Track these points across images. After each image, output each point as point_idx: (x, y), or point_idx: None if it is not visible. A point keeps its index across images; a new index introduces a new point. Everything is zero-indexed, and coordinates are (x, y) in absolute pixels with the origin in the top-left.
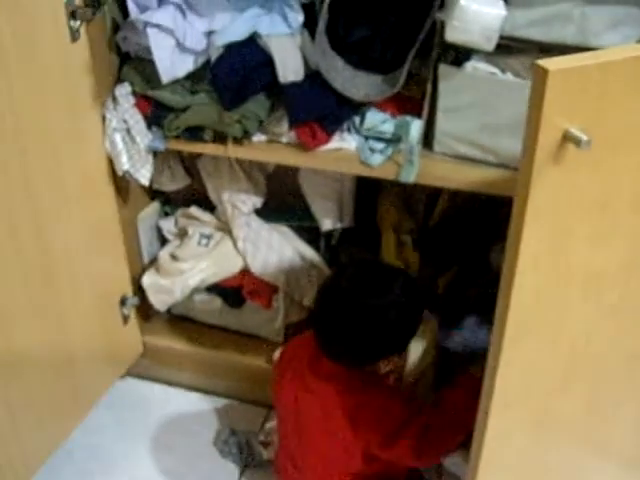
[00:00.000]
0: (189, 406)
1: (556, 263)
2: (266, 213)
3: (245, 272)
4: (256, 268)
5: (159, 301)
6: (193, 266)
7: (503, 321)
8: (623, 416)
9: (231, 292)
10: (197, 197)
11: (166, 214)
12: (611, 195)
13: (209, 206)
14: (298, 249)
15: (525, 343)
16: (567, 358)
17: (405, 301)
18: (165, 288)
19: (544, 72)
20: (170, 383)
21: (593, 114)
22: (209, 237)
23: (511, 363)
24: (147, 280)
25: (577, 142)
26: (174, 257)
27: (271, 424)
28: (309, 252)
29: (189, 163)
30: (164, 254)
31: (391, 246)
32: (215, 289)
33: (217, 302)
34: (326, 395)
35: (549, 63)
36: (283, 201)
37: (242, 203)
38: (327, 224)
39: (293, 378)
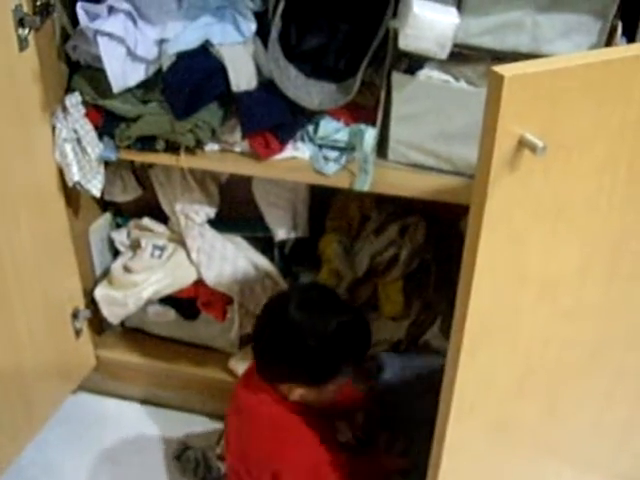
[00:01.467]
0: (143, 420)
1: (512, 269)
2: (219, 223)
3: (199, 283)
4: (210, 279)
5: (112, 314)
6: (146, 278)
7: (461, 328)
8: (581, 420)
9: (185, 304)
10: (150, 208)
11: (118, 225)
12: (565, 200)
13: (162, 217)
14: (252, 259)
15: (482, 349)
16: (524, 363)
17: (333, 337)
18: (118, 300)
19: (500, 78)
20: (124, 397)
21: (547, 120)
22: (162, 248)
23: (469, 370)
24: (100, 292)
25: (533, 148)
26: (127, 269)
27: None
28: (263, 262)
29: (141, 173)
30: (117, 266)
31: (329, 246)
32: (169, 301)
33: (171, 314)
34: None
35: (505, 69)
36: (236, 211)
37: (195, 214)
38: (281, 234)
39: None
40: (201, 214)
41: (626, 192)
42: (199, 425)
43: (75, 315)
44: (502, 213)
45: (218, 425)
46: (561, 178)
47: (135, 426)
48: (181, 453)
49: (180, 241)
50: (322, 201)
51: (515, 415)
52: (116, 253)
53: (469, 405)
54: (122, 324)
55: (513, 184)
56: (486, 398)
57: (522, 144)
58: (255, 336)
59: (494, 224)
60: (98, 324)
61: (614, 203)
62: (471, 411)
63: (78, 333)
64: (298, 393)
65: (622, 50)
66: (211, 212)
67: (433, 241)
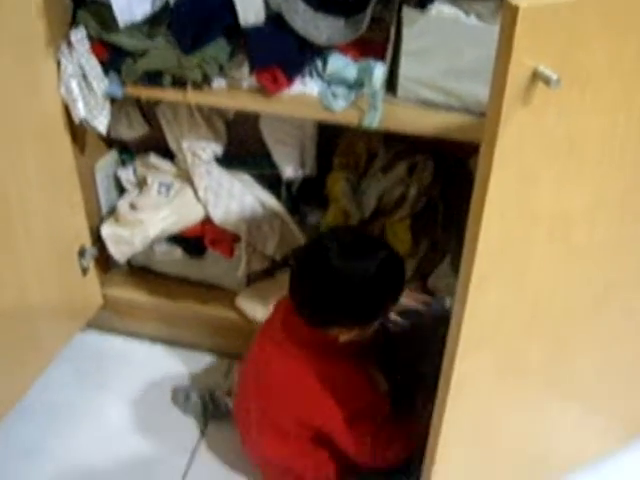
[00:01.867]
0: (151, 358)
1: (522, 205)
2: (227, 161)
3: (206, 221)
4: (217, 217)
5: (118, 252)
6: (153, 216)
7: (470, 264)
8: (587, 360)
9: (192, 242)
10: (156, 145)
11: (124, 163)
12: (578, 136)
13: (169, 154)
14: (259, 197)
15: (491, 286)
16: (533, 301)
17: (378, 276)
18: (124, 239)
19: (515, 9)
20: (132, 335)
21: (562, 53)
22: (169, 186)
23: (477, 307)
24: (106, 230)
25: (547, 81)
26: (133, 207)
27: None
28: (270, 200)
29: (147, 111)
30: (123, 204)
31: (337, 184)
32: (176, 239)
33: (178, 252)
34: (297, 359)
35: (520, 0)
36: (244, 149)
37: (202, 151)
38: (288, 172)
39: (265, 333)
40: (208, 151)
41: None
42: (207, 362)
43: (82, 253)
44: (514, 148)
45: (225, 362)
46: (575, 114)
47: (143, 363)
48: (187, 396)
49: (187, 179)
50: (330, 139)
51: (522, 352)
52: (122, 191)
53: (477, 341)
54: (129, 263)
55: (526, 118)
56: (494, 334)
57: (536, 77)
58: (296, 288)
59: (505, 159)
60: (105, 262)
61: (628, 141)
62: (478, 347)
63: (85, 271)
64: (347, 335)
65: None
66: (218, 149)
67: (441, 180)
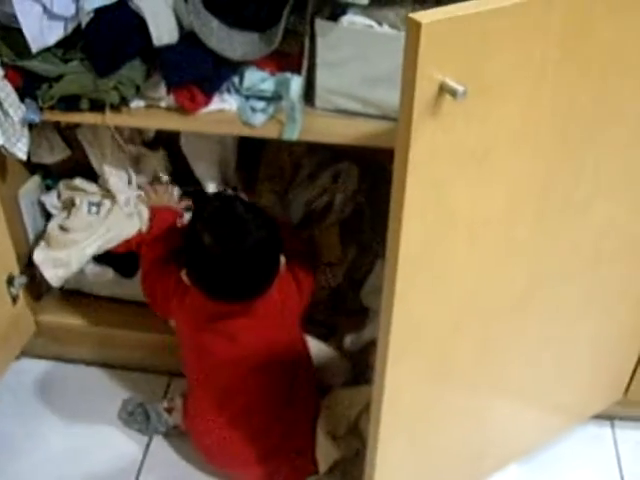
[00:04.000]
0: (90, 381)
1: (440, 212)
2: None
3: (141, 234)
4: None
5: (54, 276)
6: (88, 235)
7: (393, 271)
8: (515, 357)
9: (123, 260)
10: (80, 167)
11: (48, 188)
12: (488, 144)
13: (93, 175)
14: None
15: (416, 291)
16: (458, 303)
17: (265, 235)
18: (61, 261)
19: (417, 25)
20: (68, 360)
21: (469, 64)
22: (99, 205)
23: (404, 312)
24: (39, 255)
25: (453, 93)
26: (64, 229)
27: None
28: None
29: (68, 133)
30: (53, 226)
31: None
32: (106, 259)
33: (109, 273)
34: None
35: (422, 16)
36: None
37: (125, 172)
38: (211, 187)
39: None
40: (131, 172)
41: (550, 131)
42: (144, 381)
43: (10, 282)
44: (426, 156)
45: (162, 381)
46: (483, 121)
47: (81, 387)
48: (132, 410)
49: (114, 197)
50: (254, 150)
51: (452, 353)
52: (48, 216)
53: (405, 349)
54: (60, 287)
55: (435, 129)
56: (422, 341)
57: (443, 89)
58: (220, 287)
59: (419, 170)
60: (35, 289)
61: (537, 144)
62: (408, 353)
63: (15, 299)
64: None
65: None
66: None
67: (366, 185)
